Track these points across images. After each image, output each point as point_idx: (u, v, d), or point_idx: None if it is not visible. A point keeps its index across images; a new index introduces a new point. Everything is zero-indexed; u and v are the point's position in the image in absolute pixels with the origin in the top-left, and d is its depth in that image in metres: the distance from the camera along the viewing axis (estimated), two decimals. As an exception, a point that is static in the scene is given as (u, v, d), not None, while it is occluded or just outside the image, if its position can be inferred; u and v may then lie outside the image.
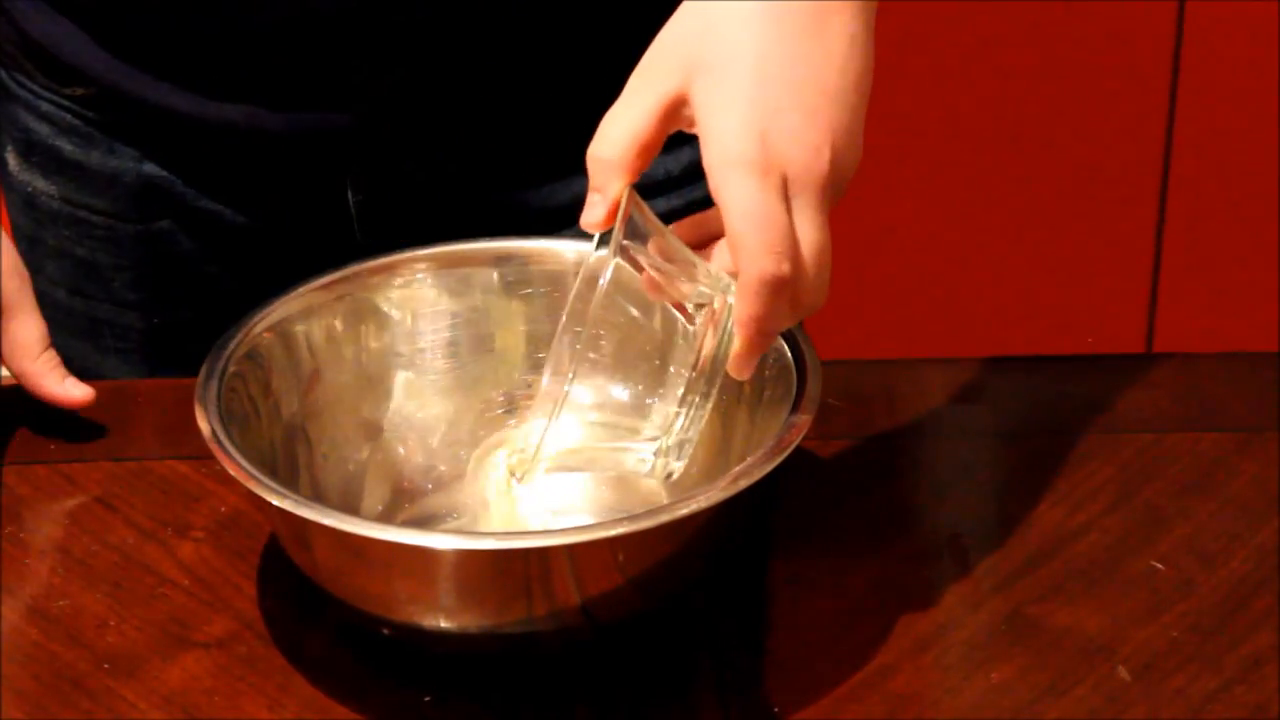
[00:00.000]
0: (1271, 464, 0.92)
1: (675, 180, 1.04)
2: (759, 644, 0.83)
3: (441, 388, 0.91)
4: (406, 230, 0.94)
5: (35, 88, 1.04)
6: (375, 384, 0.90)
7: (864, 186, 2.10)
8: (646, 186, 1.03)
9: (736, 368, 0.79)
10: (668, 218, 1.04)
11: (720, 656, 0.83)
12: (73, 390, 0.94)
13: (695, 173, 1.05)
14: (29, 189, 1.05)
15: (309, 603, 0.84)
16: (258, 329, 0.87)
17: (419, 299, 0.91)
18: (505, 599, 0.77)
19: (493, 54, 0.98)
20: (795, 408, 0.81)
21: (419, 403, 0.91)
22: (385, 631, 0.81)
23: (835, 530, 0.89)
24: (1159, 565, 0.87)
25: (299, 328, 0.88)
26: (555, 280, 0.91)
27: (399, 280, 0.91)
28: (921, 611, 0.84)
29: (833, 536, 0.89)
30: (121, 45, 0.99)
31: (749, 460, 0.78)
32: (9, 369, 0.94)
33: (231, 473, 0.79)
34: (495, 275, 0.91)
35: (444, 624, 0.78)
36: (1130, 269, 2.00)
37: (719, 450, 0.87)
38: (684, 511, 0.76)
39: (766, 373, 0.85)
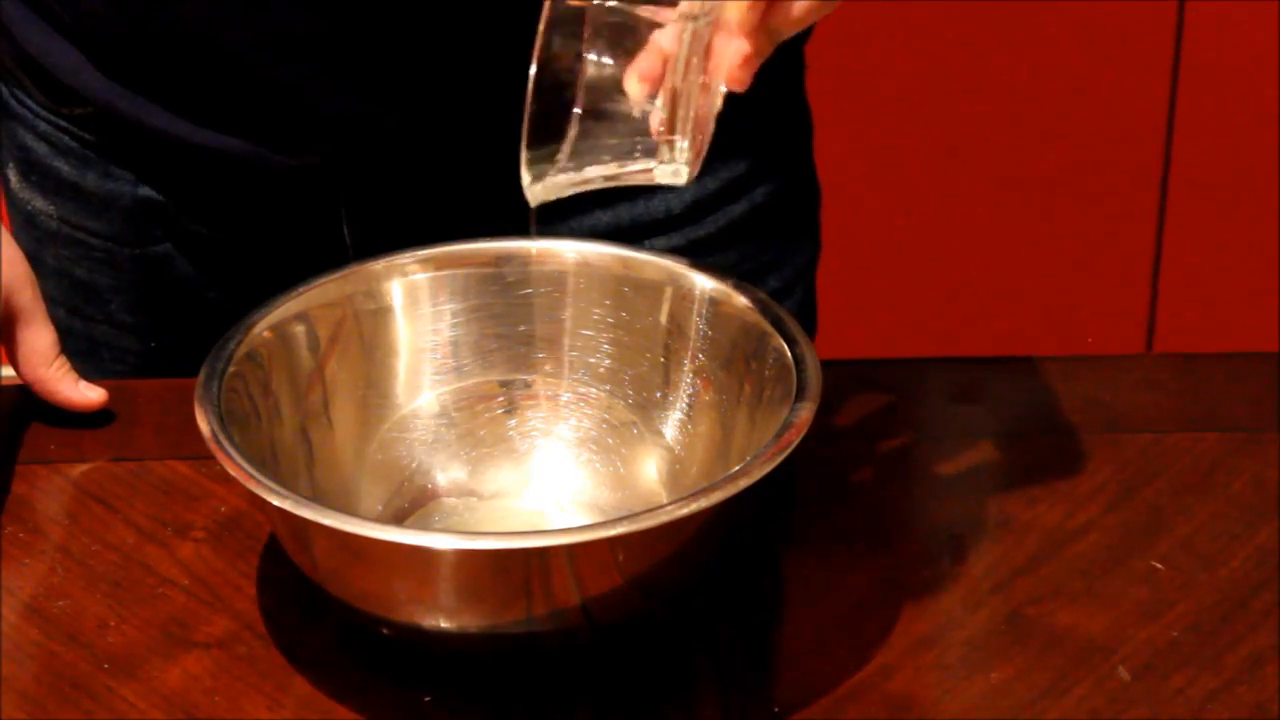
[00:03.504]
0: (1271, 464, 0.92)
1: (675, 219, 1.04)
2: (759, 644, 0.83)
3: (441, 387, 0.91)
4: (399, 231, 0.94)
5: (34, 105, 1.03)
6: (375, 384, 0.90)
7: (864, 187, 2.11)
8: (647, 224, 1.04)
9: (737, 74, 0.77)
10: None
11: (720, 656, 0.83)
12: (88, 394, 0.94)
13: (696, 211, 1.05)
14: (29, 207, 1.05)
15: (309, 603, 0.84)
16: (258, 329, 0.87)
17: (419, 299, 0.91)
18: (505, 599, 0.77)
19: (477, 87, 0.98)
20: (795, 408, 0.81)
21: (419, 403, 0.91)
22: (385, 631, 0.81)
23: (835, 530, 0.89)
24: (1159, 565, 0.87)
25: (299, 328, 0.88)
26: (555, 280, 0.91)
27: (399, 280, 0.91)
28: (921, 611, 0.84)
29: (833, 536, 0.89)
30: (116, 67, 0.99)
31: (749, 460, 0.78)
32: (23, 377, 0.94)
33: (231, 473, 0.79)
34: (495, 275, 0.91)
35: (444, 624, 0.79)
36: (1130, 269, 2.00)
37: (719, 450, 0.87)
38: (684, 511, 0.76)
39: (766, 372, 0.85)
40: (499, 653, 0.81)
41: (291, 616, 0.85)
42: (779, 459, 0.78)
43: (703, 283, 0.89)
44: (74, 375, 0.95)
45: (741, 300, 0.87)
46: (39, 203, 1.05)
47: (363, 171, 1.00)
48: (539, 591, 0.77)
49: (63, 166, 1.03)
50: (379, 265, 0.91)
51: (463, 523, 0.89)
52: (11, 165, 1.06)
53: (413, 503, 0.90)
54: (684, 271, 0.89)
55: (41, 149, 1.04)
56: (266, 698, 0.81)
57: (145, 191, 1.02)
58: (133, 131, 1.00)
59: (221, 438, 0.81)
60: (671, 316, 0.89)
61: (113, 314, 1.06)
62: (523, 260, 0.91)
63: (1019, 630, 0.83)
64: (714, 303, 0.88)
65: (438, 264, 0.91)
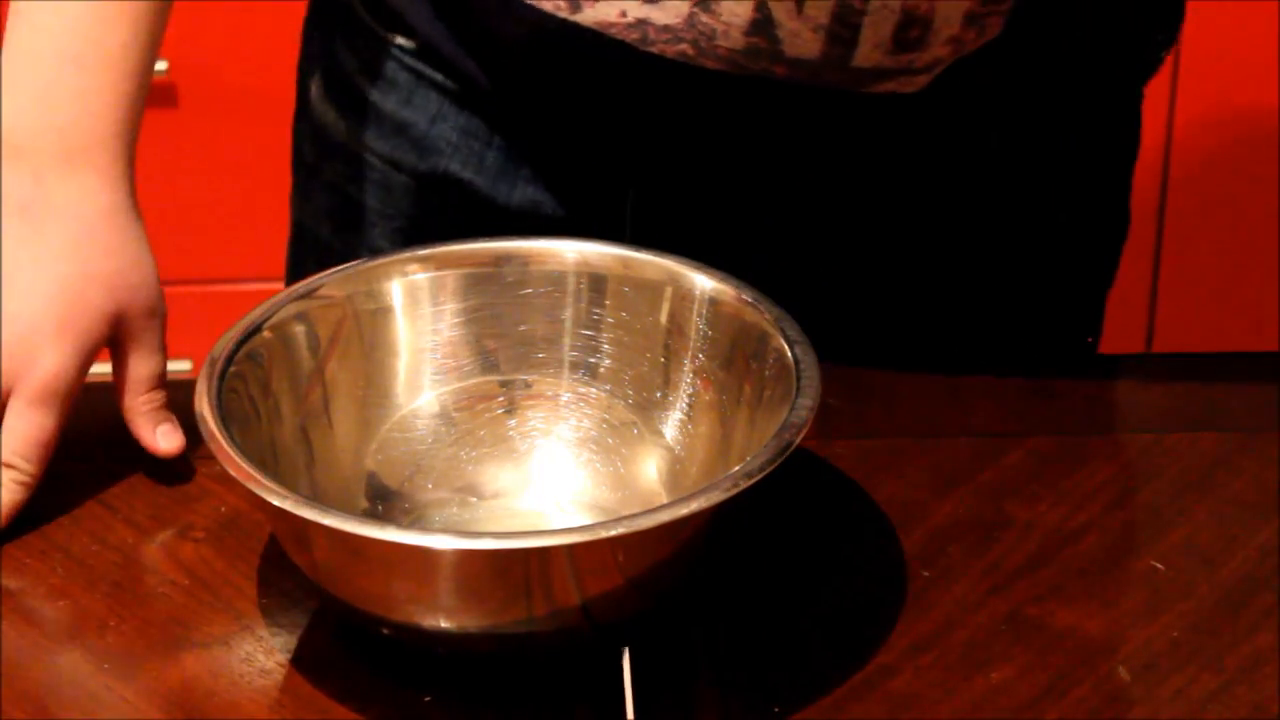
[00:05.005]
0: (1271, 464, 0.92)
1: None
2: (759, 644, 0.83)
3: (441, 387, 0.91)
4: (675, 239, 0.94)
5: (359, 23, 1.05)
6: (375, 384, 0.90)
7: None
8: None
9: None
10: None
11: (720, 656, 0.83)
12: (162, 441, 0.92)
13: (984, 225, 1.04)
14: (322, 120, 1.07)
15: (309, 603, 0.84)
16: (258, 329, 0.87)
17: (419, 299, 0.91)
18: (505, 599, 0.77)
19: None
20: (795, 408, 0.81)
21: (419, 403, 0.91)
22: (385, 631, 0.81)
23: (836, 530, 0.89)
24: (1159, 565, 0.87)
25: (299, 328, 0.88)
26: (555, 280, 0.91)
27: (399, 280, 0.91)
28: (921, 611, 0.84)
29: (833, 536, 0.89)
30: (447, 7, 1.00)
31: (749, 460, 0.78)
32: (117, 398, 0.93)
33: (231, 473, 0.79)
34: (495, 275, 0.91)
35: (444, 624, 0.79)
36: (1130, 269, 1.99)
37: (719, 450, 0.87)
38: (684, 511, 0.76)
39: (766, 372, 0.85)
40: (499, 653, 0.81)
41: (291, 616, 0.85)
42: (779, 459, 0.78)
43: (703, 283, 0.89)
44: (160, 416, 0.92)
45: (741, 300, 0.87)
46: (331, 116, 1.07)
47: (654, 154, 1.01)
48: (539, 591, 0.77)
49: (366, 85, 1.05)
50: (379, 264, 0.91)
51: (463, 523, 0.89)
52: (317, 75, 1.08)
53: (413, 503, 0.90)
54: (684, 271, 0.89)
55: (351, 64, 1.06)
56: (266, 698, 0.81)
57: (439, 129, 1.04)
58: (448, 70, 1.02)
59: (221, 438, 0.81)
60: (671, 316, 0.89)
61: (373, 239, 1.07)
62: (523, 260, 0.91)
63: (1019, 630, 0.83)
64: (714, 303, 0.88)
65: (438, 264, 0.91)
